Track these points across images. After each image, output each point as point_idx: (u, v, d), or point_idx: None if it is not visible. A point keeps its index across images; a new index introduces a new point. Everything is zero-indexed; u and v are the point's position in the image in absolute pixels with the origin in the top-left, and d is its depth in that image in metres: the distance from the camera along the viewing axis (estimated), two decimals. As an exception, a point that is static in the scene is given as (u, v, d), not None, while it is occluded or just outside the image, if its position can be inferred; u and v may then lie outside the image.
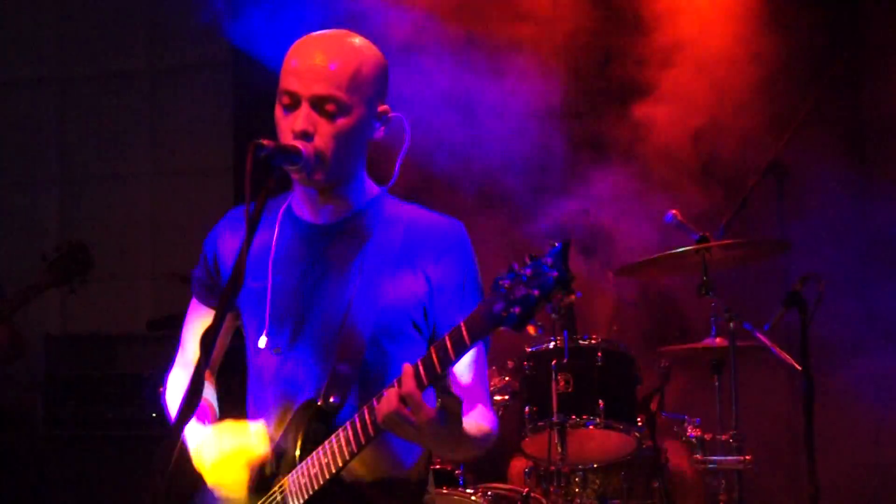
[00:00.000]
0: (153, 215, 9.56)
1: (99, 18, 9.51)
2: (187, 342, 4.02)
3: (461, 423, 3.31)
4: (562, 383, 6.27)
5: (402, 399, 3.22)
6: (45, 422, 8.04)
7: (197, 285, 3.94)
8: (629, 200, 7.81)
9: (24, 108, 9.52)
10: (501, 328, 3.04)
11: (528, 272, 3.00)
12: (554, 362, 6.28)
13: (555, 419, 6.23)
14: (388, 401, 3.24)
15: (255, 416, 3.75)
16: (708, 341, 6.58)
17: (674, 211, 6.71)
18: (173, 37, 9.46)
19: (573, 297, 2.99)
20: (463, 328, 3.16)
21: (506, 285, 3.03)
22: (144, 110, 9.59)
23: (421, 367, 3.23)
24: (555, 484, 6.39)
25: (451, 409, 3.27)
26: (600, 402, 6.31)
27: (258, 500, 3.61)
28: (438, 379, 3.26)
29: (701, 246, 6.40)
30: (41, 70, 9.63)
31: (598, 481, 6.60)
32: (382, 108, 3.66)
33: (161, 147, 9.61)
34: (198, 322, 3.97)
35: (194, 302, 3.98)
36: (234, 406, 3.90)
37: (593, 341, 6.41)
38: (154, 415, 7.60)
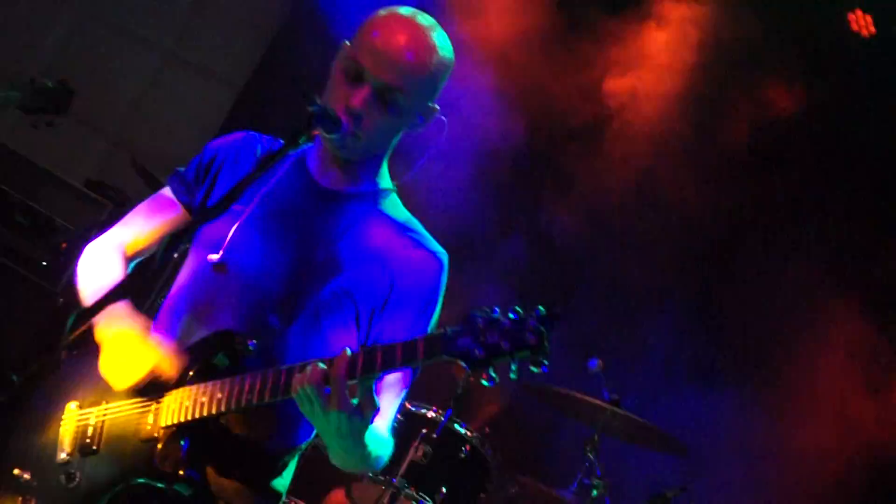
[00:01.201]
0: (147, 89, 9.48)
1: None
2: (131, 220, 3.95)
3: (367, 430, 3.23)
4: (419, 453, 6.29)
5: (327, 378, 3.15)
6: None
7: (177, 179, 3.88)
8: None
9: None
10: (458, 361, 2.97)
11: (508, 325, 2.93)
12: (424, 430, 6.30)
13: (394, 481, 6.21)
14: (312, 374, 3.17)
15: (164, 318, 3.71)
16: (566, 494, 6.64)
17: (599, 360, 6.76)
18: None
19: (539, 369, 2.93)
20: (420, 343, 3.07)
21: (480, 325, 2.96)
22: None
23: (361, 359, 3.14)
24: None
25: (365, 413, 3.19)
26: (443, 489, 6.33)
27: (132, 400, 3.54)
28: (370, 378, 3.16)
29: (608, 406, 6.50)
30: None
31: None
32: (432, 105, 3.66)
33: (189, 33, 9.53)
34: (153, 208, 3.93)
35: (164, 191, 3.92)
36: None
37: (469, 433, 6.45)
38: (45, 263, 7.44)
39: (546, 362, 2.92)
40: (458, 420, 6.41)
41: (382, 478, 6.27)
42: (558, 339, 7.69)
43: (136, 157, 7.68)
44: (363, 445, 3.26)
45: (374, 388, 3.20)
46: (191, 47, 9.60)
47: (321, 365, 3.17)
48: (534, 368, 2.92)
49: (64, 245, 7.47)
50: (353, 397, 3.18)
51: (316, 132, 3.46)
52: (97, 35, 9.33)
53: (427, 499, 6.32)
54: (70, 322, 3.24)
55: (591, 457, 6.55)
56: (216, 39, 9.58)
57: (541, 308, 2.93)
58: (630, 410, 6.63)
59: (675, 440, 6.76)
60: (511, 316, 2.94)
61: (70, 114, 6.46)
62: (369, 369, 3.13)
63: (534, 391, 7.09)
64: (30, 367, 3.28)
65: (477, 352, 2.93)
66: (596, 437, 6.57)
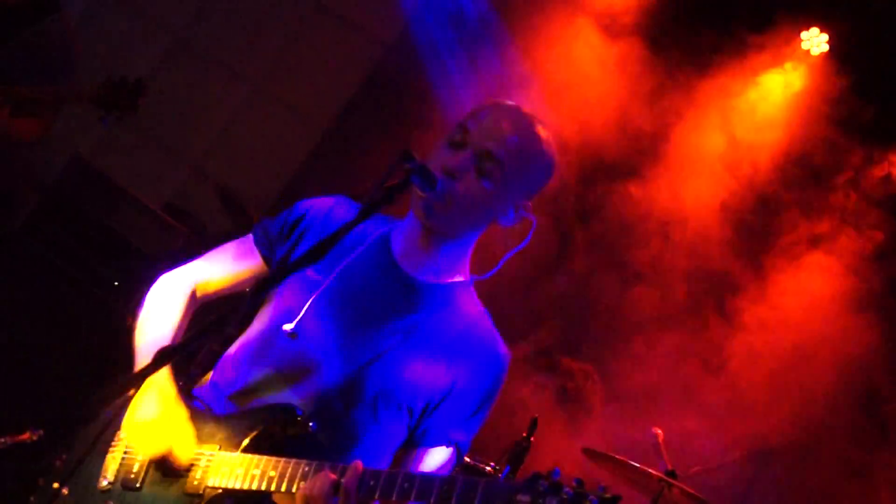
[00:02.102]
0: (234, 121, 9.59)
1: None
2: (209, 260, 3.99)
3: None
4: (473, 503, 6.19)
5: (335, 487, 3.22)
6: (25, 223, 7.91)
7: (261, 231, 3.91)
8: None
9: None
10: None
11: (570, 495, 2.91)
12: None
13: None
14: (321, 481, 3.25)
15: (226, 368, 3.74)
16: None
17: (659, 431, 6.78)
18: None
19: None
20: (480, 487, 3.04)
21: (543, 488, 2.94)
22: (291, 30, 9.64)
23: (382, 481, 3.20)
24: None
25: None
26: None
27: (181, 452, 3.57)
28: (390, 499, 3.20)
29: (664, 478, 6.48)
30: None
31: None
32: (525, 202, 3.71)
33: (280, 70, 9.65)
34: (233, 254, 3.95)
35: (246, 239, 3.94)
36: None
37: (525, 488, 6.35)
38: (116, 283, 7.53)
39: None
40: (515, 477, 6.30)
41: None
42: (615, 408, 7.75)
43: (221, 184, 7.84)
44: None
45: None
46: (280, 84, 9.67)
47: (331, 475, 3.23)
48: None
49: (138, 269, 7.49)
50: None
51: (409, 187, 3.49)
52: (189, 64, 9.49)
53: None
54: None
55: (645, 524, 6.52)
56: (306, 79, 9.64)
57: (602, 487, 2.92)
58: (688, 483, 6.55)
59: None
60: (574, 484, 2.93)
61: (164, 128, 6.54)
62: (386, 493, 3.18)
63: (593, 456, 7.04)
64: (109, 399, 3.34)
65: None
66: (652, 508, 6.58)
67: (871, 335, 7.85)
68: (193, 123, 9.12)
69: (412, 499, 3.15)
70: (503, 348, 3.73)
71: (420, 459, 3.63)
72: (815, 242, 8.24)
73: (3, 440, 3.96)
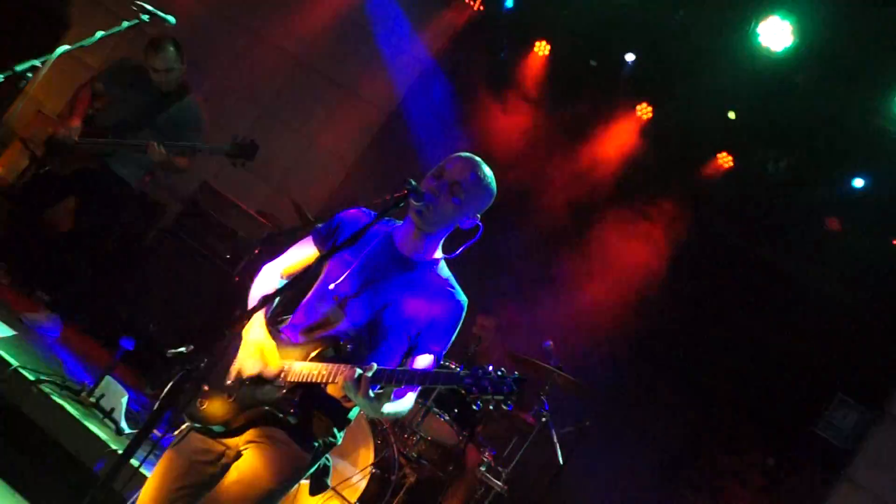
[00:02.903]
0: (298, 158, 9.73)
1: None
2: (289, 254, 4.09)
3: (382, 407, 3.49)
4: (443, 389, 6.55)
5: (360, 377, 3.41)
6: (173, 222, 8.08)
7: (317, 233, 4.02)
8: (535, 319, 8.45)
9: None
10: (461, 390, 3.26)
11: (496, 378, 3.18)
12: (448, 375, 6.79)
13: (426, 402, 6.75)
14: (351, 373, 3.46)
15: (297, 315, 3.91)
16: (526, 416, 7.21)
17: (550, 341, 7.24)
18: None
19: (505, 408, 3.20)
20: (443, 374, 3.32)
21: (479, 373, 3.21)
22: (332, 104, 9.82)
23: (387, 374, 3.40)
24: (405, 434, 6.84)
25: (381, 399, 3.45)
26: (455, 409, 6.84)
27: (272, 362, 3.72)
28: (391, 384, 3.42)
29: (552, 370, 7.02)
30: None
31: (423, 446, 6.90)
32: (476, 214, 3.88)
33: (325, 128, 9.80)
34: (303, 250, 4.07)
35: (308, 240, 4.06)
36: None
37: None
38: (228, 256, 7.72)
39: (512, 404, 3.18)
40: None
41: (420, 400, 6.66)
42: (528, 326, 8.34)
43: (295, 200, 7.81)
44: (379, 413, 3.53)
45: (392, 393, 3.46)
46: (325, 138, 9.79)
47: (358, 370, 3.44)
48: (504, 406, 3.18)
49: (241, 249, 7.66)
50: (381, 390, 3.44)
51: (407, 201, 3.72)
52: (271, 124, 9.59)
53: (446, 414, 6.79)
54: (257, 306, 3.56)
55: (542, 398, 6.98)
56: (339, 135, 9.77)
57: (516, 373, 3.19)
58: (567, 373, 6.97)
59: (590, 390, 7.13)
60: (498, 373, 3.19)
61: (255, 162, 6.57)
62: (390, 381, 3.39)
63: (513, 359, 7.38)
64: (232, 326, 3.58)
65: (473, 388, 3.19)
66: (547, 387, 7.00)
67: (659, 265, 8.43)
68: (274, 159, 9.26)
69: (405, 384, 3.43)
70: (462, 297, 3.85)
71: (414, 362, 3.75)
72: (625, 212, 8.73)
73: (169, 352, 3.85)
